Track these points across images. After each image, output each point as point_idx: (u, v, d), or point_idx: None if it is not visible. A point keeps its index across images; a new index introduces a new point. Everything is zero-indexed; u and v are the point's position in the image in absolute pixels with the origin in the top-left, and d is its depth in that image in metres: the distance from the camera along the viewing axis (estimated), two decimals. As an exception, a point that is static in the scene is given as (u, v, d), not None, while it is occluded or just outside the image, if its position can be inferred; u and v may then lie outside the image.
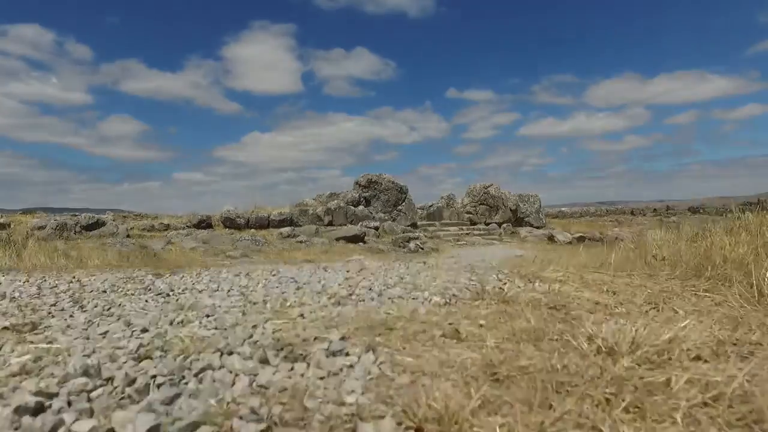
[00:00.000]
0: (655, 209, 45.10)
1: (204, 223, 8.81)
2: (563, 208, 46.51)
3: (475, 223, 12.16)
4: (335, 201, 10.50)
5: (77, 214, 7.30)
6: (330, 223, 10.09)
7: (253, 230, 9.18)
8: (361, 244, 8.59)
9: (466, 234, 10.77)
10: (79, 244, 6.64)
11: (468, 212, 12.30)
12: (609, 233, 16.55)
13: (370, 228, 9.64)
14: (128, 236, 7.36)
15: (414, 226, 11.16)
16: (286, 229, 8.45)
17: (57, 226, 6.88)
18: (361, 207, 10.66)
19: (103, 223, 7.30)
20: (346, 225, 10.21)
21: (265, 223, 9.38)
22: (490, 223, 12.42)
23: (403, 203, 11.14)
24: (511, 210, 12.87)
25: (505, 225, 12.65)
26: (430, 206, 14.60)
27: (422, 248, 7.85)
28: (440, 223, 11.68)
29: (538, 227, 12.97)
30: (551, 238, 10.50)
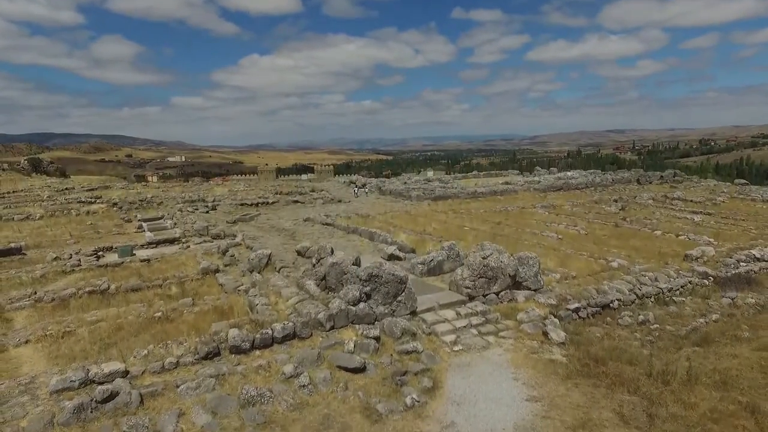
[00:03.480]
0: (662, 176, 44.71)
1: (212, 354, 9.23)
2: (570, 174, 46.09)
3: (473, 298, 12.48)
4: (337, 302, 10.79)
5: (91, 367, 7.70)
6: (332, 328, 10.50)
7: (258, 352, 9.61)
8: (361, 374, 9.08)
9: (464, 327, 11.13)
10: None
11: (467, 287, 12.55)
12: (613, 264, 16.74)
13: (370, 339, 10.03)
14: (141, 402, 7.83)
15: (413, 313, 11.54)
16: (288, 368, 8.86)
17: (74, 409, 7.34)
18: (361, 305, 10.97)
19: (117, 393, 7.74)
20: (347, 327, 10.64)
21: (269, 342, 9.80)
22: (488, 294, 12.75)
23: (403, 293, 11.42)
24: (510, 276, 13.12)
25: (503, 293, 12.97)
26: (431, 261, 14.83)
27: (418, 401, 8.27)
28: (439, 305, 12.01)
29: (535, 290, 13.28)
30: (546, 335, 10.87)
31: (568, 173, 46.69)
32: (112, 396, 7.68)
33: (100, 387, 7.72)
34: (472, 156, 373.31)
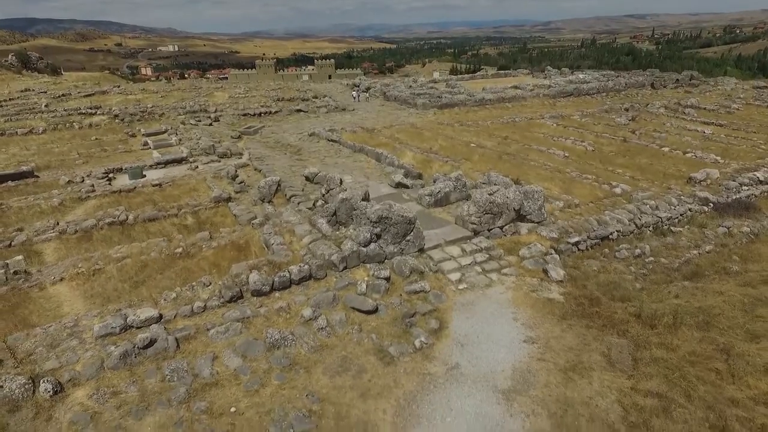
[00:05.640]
0: (677, 79, 42.96)
1: (235, 297, 10.01)
2: (582, 77, 44.24)
3: (478, 233, 13.02)
4: (349, 244, 11.34)
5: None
6: (345, 268, 11.19)
7: (277, 294, 10.40)
8: (373, 315, 9.92)
9: (469, 264, 11.79)
10: (143, 383, 8.04)
11: (473, 222, 13.02)
12: (616, 189, 17.02)
13: (381, 279, 10.76)
14: (178, 346, 8.72)
15: (421, 251, 12.16)
16: (307, 312, 9.66)
17: (120, 355, 8.21)
18: (372, 245, 11.53)
19: (155, 339, 8.58)
20: (359, 266, 11.33)
21: (287, 284, 10.54)
22: (493, 229, 13.27)
23: (411, 233, 11.92)
24: (515, 210, 13.55)
25: (507, 226, 13.49)
26: (438, 192, 15.13)
27: (425, 342, 9.15)
28: (446, 241, 12.58)
29: (538, 222, 13.82)
30: (545, 272, 11.57)
31: (580, 76, 44.78)
32: (151, 342, 8.54)
33: (140, 335, 8.55)
34: (480, 45, 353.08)
